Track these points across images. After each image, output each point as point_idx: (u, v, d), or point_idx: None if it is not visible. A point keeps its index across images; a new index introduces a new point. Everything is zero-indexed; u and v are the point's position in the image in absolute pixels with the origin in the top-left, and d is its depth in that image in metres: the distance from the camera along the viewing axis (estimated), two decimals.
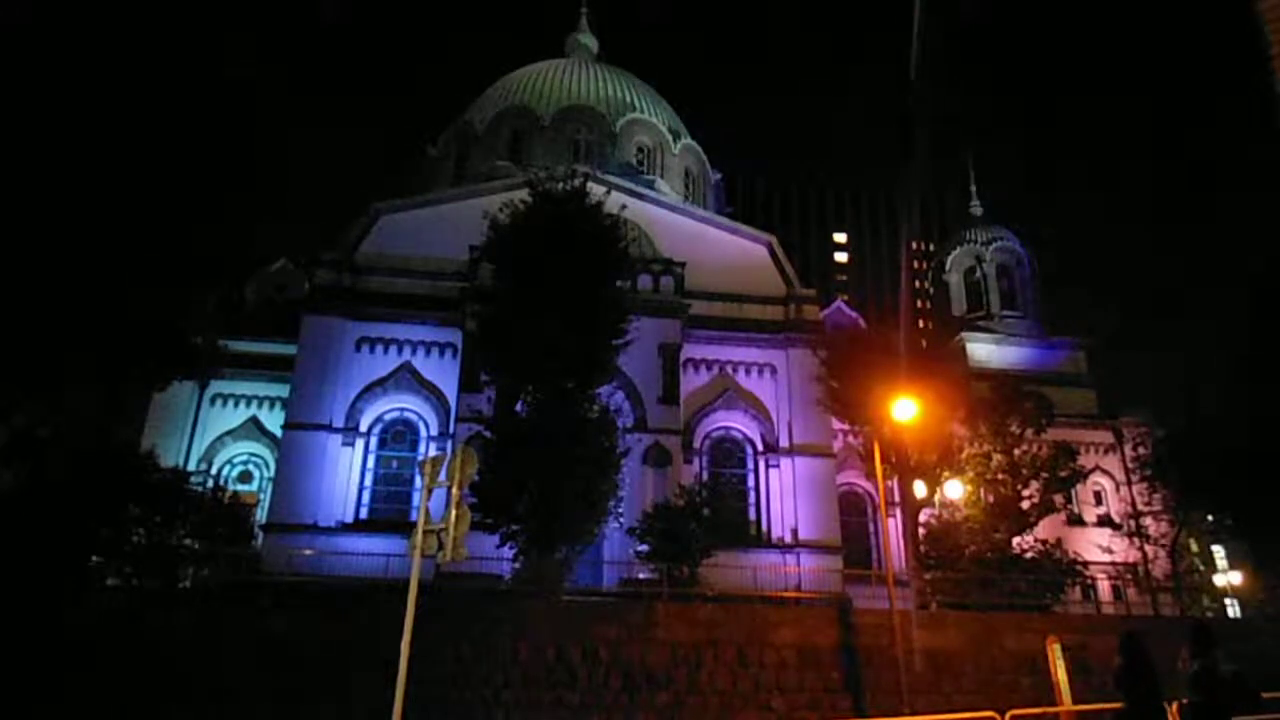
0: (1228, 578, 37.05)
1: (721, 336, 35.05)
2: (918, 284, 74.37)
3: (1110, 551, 35.64)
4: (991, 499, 30.93)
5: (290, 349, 32.87)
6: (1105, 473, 40.28)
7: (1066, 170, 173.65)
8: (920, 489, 30.73)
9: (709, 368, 34.88)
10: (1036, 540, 30.43)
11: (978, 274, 47.97)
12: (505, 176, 38.91)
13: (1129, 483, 37.65)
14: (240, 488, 32.88)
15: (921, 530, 30.80)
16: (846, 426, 33.45)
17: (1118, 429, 40.83)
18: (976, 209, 51.64)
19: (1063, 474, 31.93)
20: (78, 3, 21.29)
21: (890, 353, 30.88)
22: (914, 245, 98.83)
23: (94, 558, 22.59)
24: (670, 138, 47.82)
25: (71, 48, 20.55)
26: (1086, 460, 37.16)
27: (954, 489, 30.42)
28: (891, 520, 33.10)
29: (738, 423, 34.69)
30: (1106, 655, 23.58)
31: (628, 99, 48.48)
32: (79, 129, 20.08)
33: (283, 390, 33.30)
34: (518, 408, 25.78)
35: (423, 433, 33.04)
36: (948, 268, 49.38)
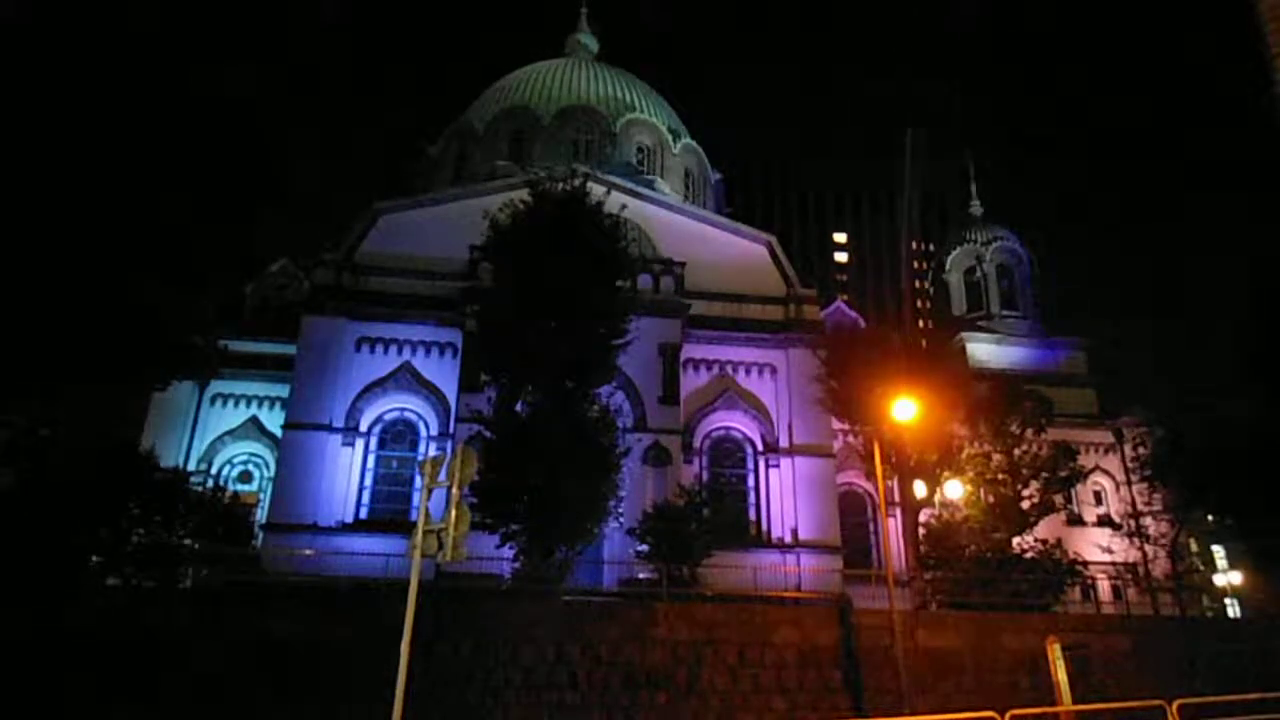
0: (1228, 578, 37.01)
1: (721, 336, 35.04)
2: (918, 284, 74.27)
3: (1110, 551, 35.61)
4: (991, 499, 30.91)
5: (290, 349, 32.88)
6: (1105, 473, 40.30)
7: (1066, 170, 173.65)
8: (920, 489, 30.75)
9: (709, 368, 34.87)
10: (1036, 540, 30.38)
11: (978, 274, 48.00)
12: (505, 176, 38.90)
13: (1129, 483, 37.61)
14: (240, 488, 32.89)
15: (921, 530, 30.80)
16: (846, 426, 33.46)
17: (1118, 429, 40.80)
18: (976, 209, 51.65)
19: (1063, 474, 31.97)
20: (76, 3, 21.25)
21: (890, 353, 30.97)
22: (914, 245, 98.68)
23: (94, 557, 22.53)
24: (670, 138, 47.82)
25: (69, 48, 20.51)
26: (1086, 460, 37.14)
27: (954, 489, 30.40)
28: (891, 520, 33.11)
29: (738, 423, 34.68)
30: (1106, 655, 23.78)
31: (628, 99, 48.49)
32: (80, 129, 20.04)
33: (283, 390, 33.30)
34: (518, 408, 25.76)
35: (423, 433, 33.04)
36: (948, 268, 49.42)
